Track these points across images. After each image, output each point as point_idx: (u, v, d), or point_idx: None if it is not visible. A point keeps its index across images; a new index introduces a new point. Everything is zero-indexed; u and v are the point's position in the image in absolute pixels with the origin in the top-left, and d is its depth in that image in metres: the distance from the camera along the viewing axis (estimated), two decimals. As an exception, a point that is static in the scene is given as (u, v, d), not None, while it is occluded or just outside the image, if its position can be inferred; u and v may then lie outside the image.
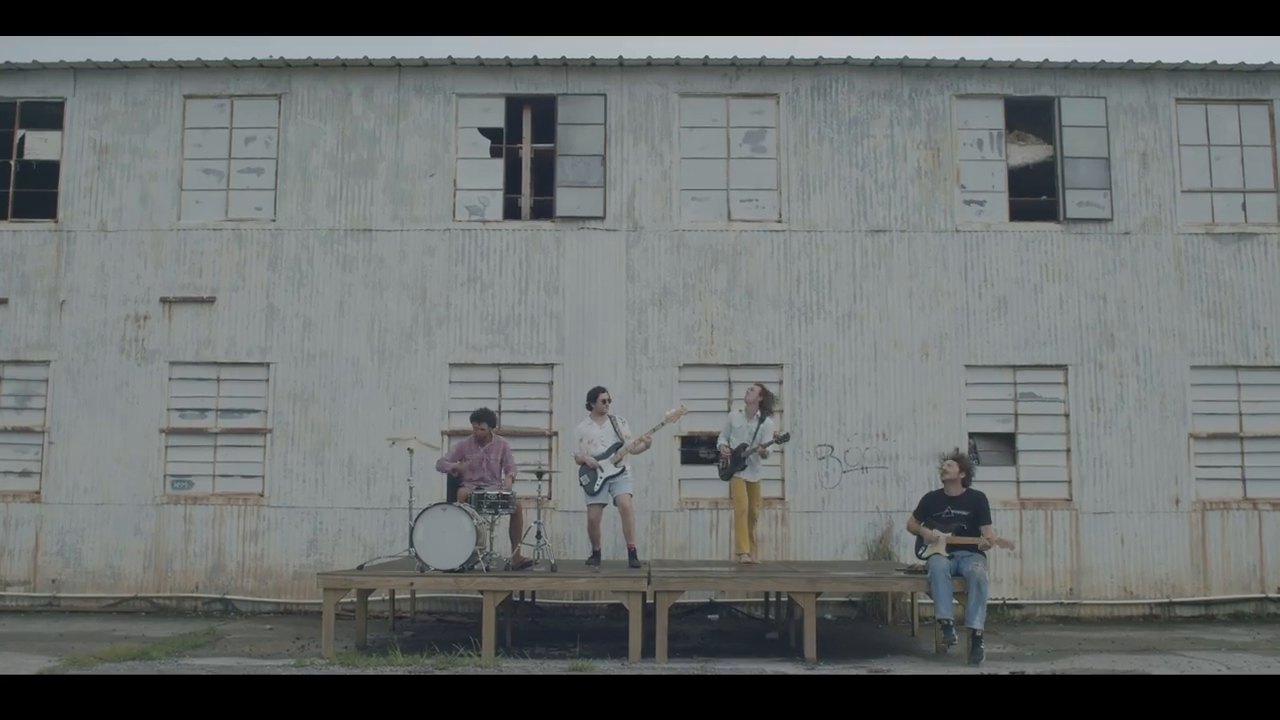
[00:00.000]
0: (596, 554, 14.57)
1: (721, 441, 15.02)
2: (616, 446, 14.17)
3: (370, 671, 11.53)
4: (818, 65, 17.99)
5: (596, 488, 14.21)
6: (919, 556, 13.44)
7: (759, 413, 14.91)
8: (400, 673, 11.41)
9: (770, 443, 14.98)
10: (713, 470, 15.34)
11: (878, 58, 17.90)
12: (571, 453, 14.94)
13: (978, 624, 12.60)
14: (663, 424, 14.48)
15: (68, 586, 17.37)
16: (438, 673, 11.51)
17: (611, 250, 17.84)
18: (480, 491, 13.71)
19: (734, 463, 14.84)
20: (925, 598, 14.95)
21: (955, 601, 12.90)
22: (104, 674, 11.19)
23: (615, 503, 14.38)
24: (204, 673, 11.42)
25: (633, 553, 14.42)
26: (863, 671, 11.91)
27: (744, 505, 14.84)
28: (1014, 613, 16.91)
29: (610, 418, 14.43)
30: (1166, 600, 17.10)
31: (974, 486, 13.68)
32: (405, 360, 17.63)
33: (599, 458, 14.15)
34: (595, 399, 14.52)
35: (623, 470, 14.25)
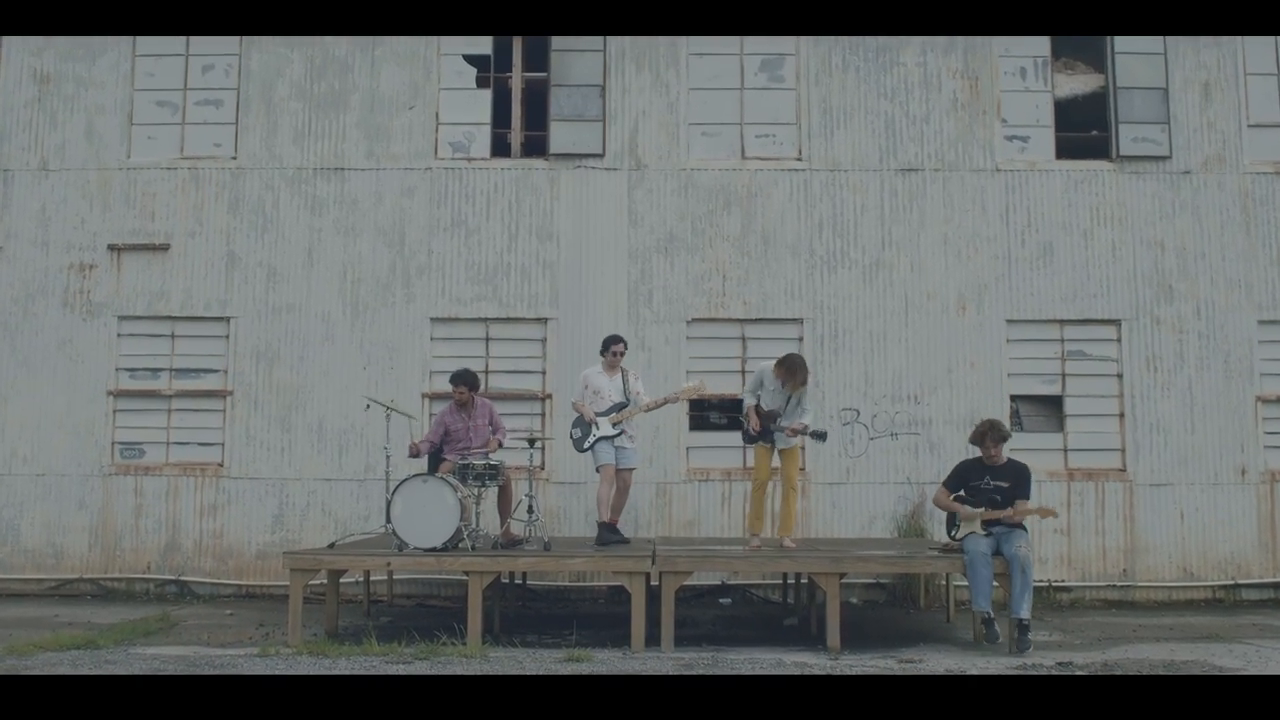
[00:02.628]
0: (611, 524, 14.07)
1: (749, 400, 13.84)
2: (620, 406, 13.78)
3: (342, 662, 11.25)
4: (842, -17, 17.52)
5: (586, 445, 13.86)
6: (951, 536, 13.02)
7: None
8: (376, 663, 11.09)
9: (806, 431, 14.23)
10: (725, 437, 14.91)
11: (910, -25, 17.45)
12: (571, 399, 14.51)
13: (1024, 613, 12.19)
14: (677, 396, 14.23)
15: (5, 567, 17.04)
16: (418, 662, 11.23)
17: (611, 191, 17.49)
18: (465, 461, 13.35)
19: (762, 431, 14.08)
20: (961, 579, 14.63)
21: (996, 584, 12.46)
22: (37, 673, 10.80)
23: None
24: (156, 661, 11.16)
25: (614, 525, 14.06)
26: (892, 662, 11.67)
27: (764, 478, 14.03)
28: (1061, 596, 16.59)
29: (623, 371, 14.08)
30: (1231, 582, 16.78)
31: (1018, 457, 13.24)
32: (381, 314, 17.28)
33: (600, 413, 13.81)
34: (608, 349, 14.09)
35: (622, 432, 13.84)
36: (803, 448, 16.52)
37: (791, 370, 13.33)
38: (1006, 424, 15.04)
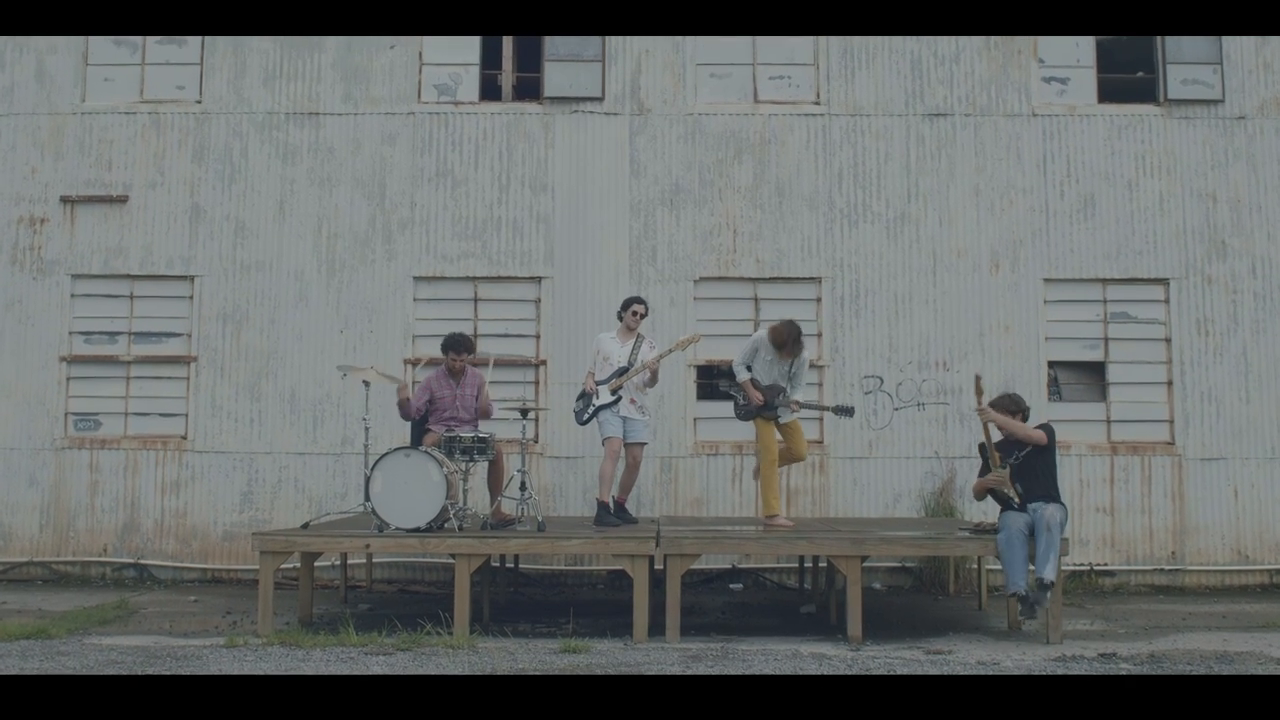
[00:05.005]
0: (619, 505, 14.04)
1: (744, 373, 13.83)
2: (620, 372, 13.56)
3: (317, 653, 11.11)
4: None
5: (585, 417, 13.78)
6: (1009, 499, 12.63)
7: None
8: (354, 654, 10.93)
9: (826, 407, 14.32)
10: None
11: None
12: (585, 367, 14.43)
13: (1047, 574, 11.83)
14: (670, 351, 13.95)
15: (-52, 550, 17.03)
16: (400, 654, 11.08)
17: (612, 138, 17.35)
18: (452, 434, 13.14)
19: (765, 406, 13.95)
20: (994, 563, 14.47)
21: (1032, 568, 12.23)
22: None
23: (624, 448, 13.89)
24: (113, 652, 11.01)
25: (621, 506, 14.04)
26: (919, 653, 11.53)
27: (774, 453, 13.98)
28: (1104, 581, 16.48)
29: (639, 338, 13.94)
30: (1290, 566, 16.73)
31: (1056, 430, 12.96)
32: (360, 273, 17.14)
33: (599, 382, 13.71)
34: (625, 309, 13.91)
35: (619, 399, 13.66)
36: (822, 419, 16.50)
37: (782, 341, 13.49)
38: (1040, 394, 14.81)
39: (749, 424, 14.12)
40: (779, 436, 13.85)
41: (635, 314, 13.82)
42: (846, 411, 14.13)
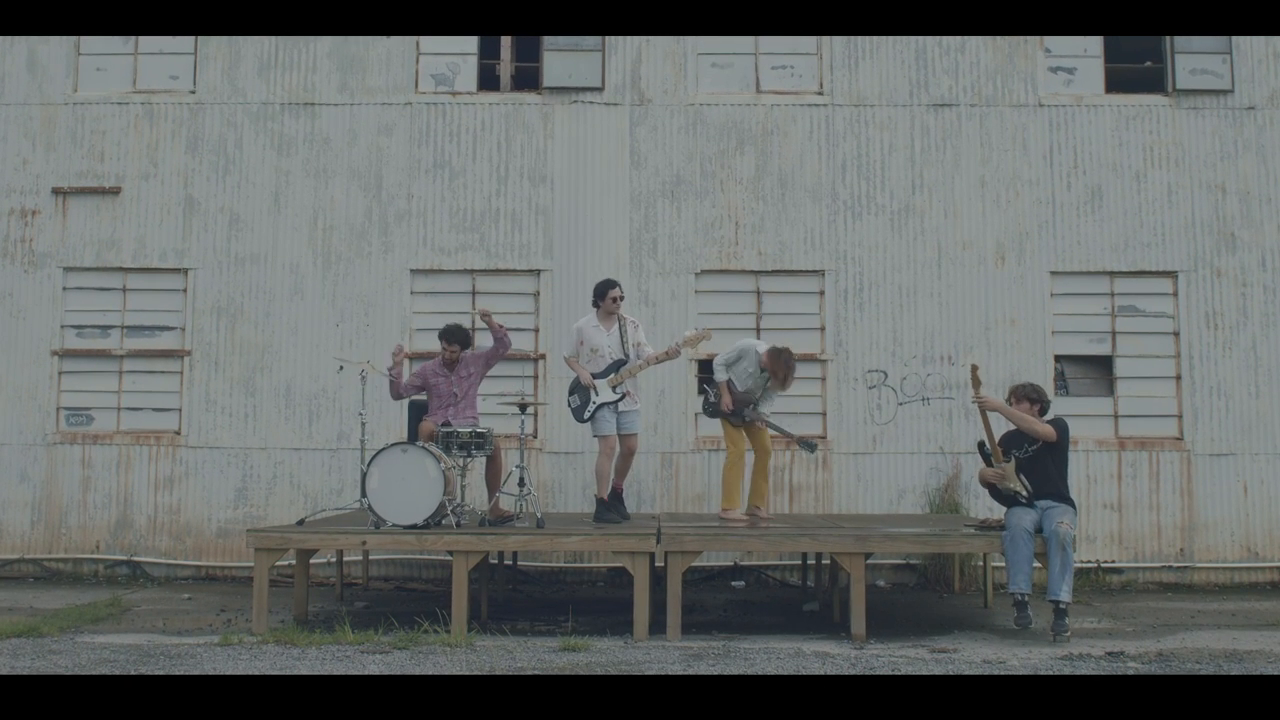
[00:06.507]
0: (616, 492, 13.97)
1: (723, 374, 13.87)
2: (620, 365, 13.51)
3: (312, 652, 11.09)
4: (869, -103, 17.22)
5: (586, 414, 13.63)
6: (1016, 494, 12.56)
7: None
8: (350, 652, 10.90)
9: (792, 436, 14.26)
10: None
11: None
12: (562, 354, 14.34)
13: (1063, 595, 11.90)
14: (678, 347, 13.85)
15: (-61, 547, 16.95)
16: (397, 652, 11.04)
17: (612, 129, 17.29)
18: (449, 429, 13.07)
19: (733, 413, 13.94)
20: (1000, 560, 14.46)
21: (1037, 565, 12.21)
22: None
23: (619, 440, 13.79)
24: (106, 651, 10.97)
25: (618, 492, 13.98)
26: (924, 652, 11.49)
27: (742, 451, 14.01)
28: (1111, 578, 16.43)
29: (621, 320, 13.76)
30: (1300, 563, 16.66)
31: (1061, 415, 12.93)
32: (356, 265, 17.09)
33: (597, 375, 13.56)
34: (604, 295, 13.70)
35: (624, 395, 13.59)
36: (824, 412, 16.45)
37: (784, 372, 13.52)
38: (1047, 388, 14.80)
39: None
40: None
41: (615, 299, 13.66)
42: (809, 447, 14.11)
